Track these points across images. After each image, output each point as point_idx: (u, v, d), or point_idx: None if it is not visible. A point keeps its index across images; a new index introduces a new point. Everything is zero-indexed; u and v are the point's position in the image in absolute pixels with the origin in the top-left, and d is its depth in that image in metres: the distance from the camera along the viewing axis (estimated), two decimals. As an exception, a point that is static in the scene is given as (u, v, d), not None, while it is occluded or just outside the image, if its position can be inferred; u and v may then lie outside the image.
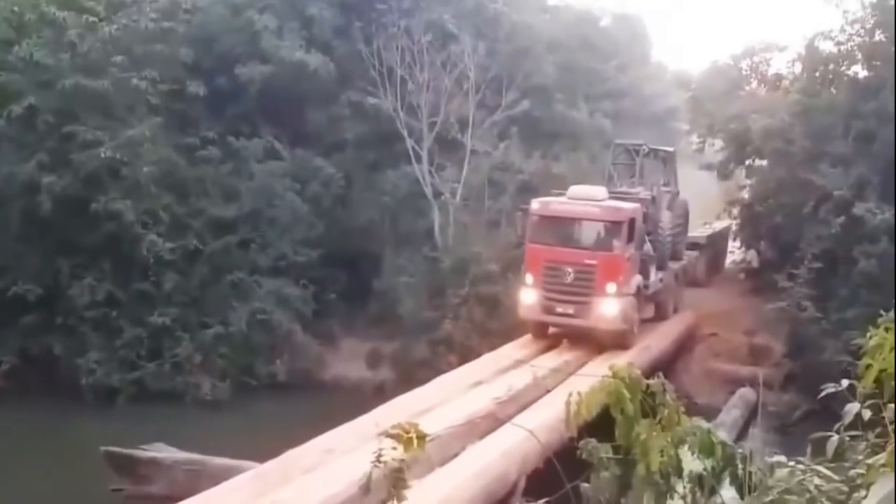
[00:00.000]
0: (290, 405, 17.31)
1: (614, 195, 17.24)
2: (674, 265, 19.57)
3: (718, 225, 25.60)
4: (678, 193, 20.62)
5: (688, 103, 29.86)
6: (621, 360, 12.32)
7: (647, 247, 17.43)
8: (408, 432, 3.72)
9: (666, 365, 15.59)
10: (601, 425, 3.83)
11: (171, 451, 12.28)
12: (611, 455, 3.84)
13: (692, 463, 3.67)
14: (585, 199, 16.31)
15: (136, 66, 19.62)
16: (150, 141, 19.46)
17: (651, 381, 3.65)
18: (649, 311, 18.26)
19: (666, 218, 18.82)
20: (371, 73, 22.00)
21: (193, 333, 19.03)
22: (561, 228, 16.35)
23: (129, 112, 19.92)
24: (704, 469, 3.60)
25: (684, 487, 3.66)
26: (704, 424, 3.75)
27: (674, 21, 76.92)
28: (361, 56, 22.12)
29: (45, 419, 15.90)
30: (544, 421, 10.45)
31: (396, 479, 3.86)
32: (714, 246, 24.58)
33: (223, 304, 19.63)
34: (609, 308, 15.64)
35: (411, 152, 22.15)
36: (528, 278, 16.35)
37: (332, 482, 8.83)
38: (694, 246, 22.39)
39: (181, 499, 9.25)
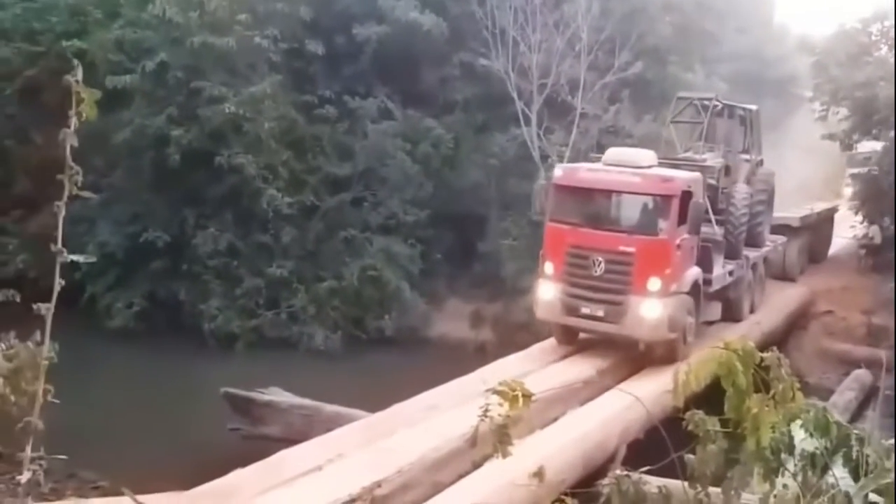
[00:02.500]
0: (396, 360, 17.77)
1: (669, 162, 14.12)
2: (752, 253, 15.98)
3: (821, 205, 22.43)
4: (761, 163, 17.26)
5: (811, 69, 28.23)
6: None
7: (716, 229, 14.36)
8: (514, 390, 3.89)
9: (777, 342, 14.56)
10: (708, 397, 3.86)
11: (286, 396, 12.84)
12: (719, 428, 3.83)
13: (804, 441, 3.68)
14: (624, 166, 12.87)
15: (258, 25, 20.22)
16: (271, 98, 20.07)
17: (765, 355, 3.59)
18: (714, 312, 14.70)
19: (741, 193, 15.40)
20: (483, 34, 21.92)
21: (308, 286, 19.69)
22: (589, 204, 12.99)
23: (252, 69, 20.61)
24: (817, 448, 3.62)
25: (795, 465, 3.67)
26: (819, 403, 3.75)
27: (801, -21, 72.41)
28: (474, 17, 22.04)
29: (171, 360, 16.77)
30: (647, 391, 10.46)
31: (502, 435, 4.05)
32: (812, 230, 21.22)
33: (336, 259, 20.21)
34: (650, 311, 12.23)
35: (520, 114, 22.05)
36: (548, 268, 13.09)
37: (435, 436, 9.20)
38: (784, 230, 18.89)
39: (295, 442, 9.79)
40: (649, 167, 13.00)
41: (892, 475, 3.17)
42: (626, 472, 4.45)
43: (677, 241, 12.48)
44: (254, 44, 19.99)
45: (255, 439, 12.20)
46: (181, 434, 13.31)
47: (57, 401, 2.64)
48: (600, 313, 12.59)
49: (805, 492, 3.61)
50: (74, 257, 2.92)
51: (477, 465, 8.70)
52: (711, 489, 4.00)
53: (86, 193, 2.56)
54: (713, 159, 15.28)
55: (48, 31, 21.33)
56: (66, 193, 2.38)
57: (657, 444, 4.49)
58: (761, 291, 17.00)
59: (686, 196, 12.63)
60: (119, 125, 19.66)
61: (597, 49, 21.95)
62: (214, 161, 19.20)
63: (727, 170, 15.59)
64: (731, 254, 14.97)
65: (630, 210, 12.88)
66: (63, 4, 21.78)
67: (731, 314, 15.30)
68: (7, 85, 21.47)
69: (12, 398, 8.87)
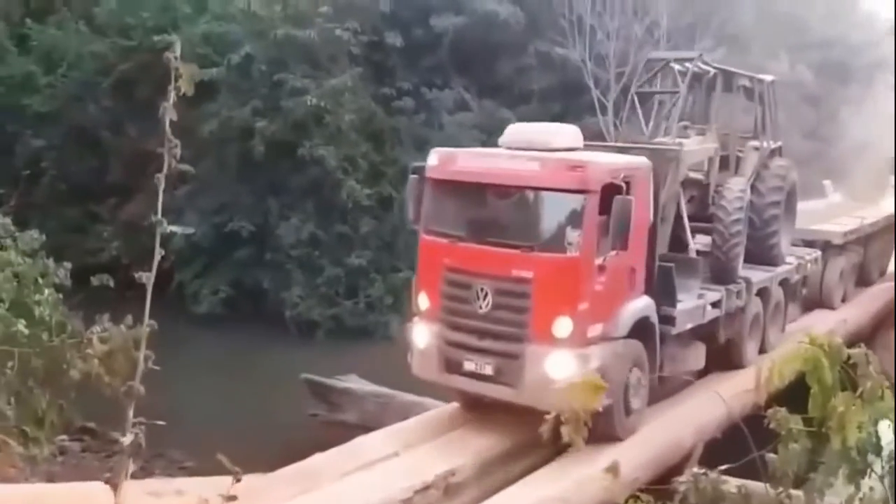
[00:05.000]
0: (469, 349, 17.89)
1: (615, 146, 10.56)
2: (758, 275, 11.74)
3: (878, 212, 17.85)
4: (778, 152, 13.05)
5: (901, 54, 26.98)
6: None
7: (691, 243, 10.63)
8: (587, 383, 3.91)
9: (864, 339, 13.88)
10: (791, 395, 3.81)
11: (363, 383, 13.09)
12: (802, 427, 3.74)
13: (892, 443, 3.58)
14: (528, 149, 8.92)
15: (339, 17, 20.54)
16: (352, 90, 20.44)
17: (853, 351, 3.51)
18: (694, 360, 10.67)
19: (734, 190, 11.14)
20: (560, 23, 21.86)
21: (385, 276, 19.95)
22: (470, 206, 9.21)
23: (333, 62, 20.95)
24: (906, 449, 3.52)
25: (882, 467, 3.57)
26: (910, 403, 3.64)
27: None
28: (551, 5, 21.98)
29: (255, 345, 17.25)
30: (727, 388, 10.27)
31: (577, 426, 4.09)
32: (864, 245, 17.00)
33: (412, 249, 20.21)
34: (558, 367, 8.26)
35: (597, 104, 21.88)
36: (422, 300, 9.27)
37: (506, 427, 9.21)
38: (823, 246, 14.90)
39: (370, 428, 10.00)
40: (565, 150, 8.97)
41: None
42: (703, 471, 4.41)
43: (600, 261, 8.51)
44: (335, 36, 20.33)
45: (333, 425, 12.46)
46: (263, 418, 13.63)
47: (157, 367, 2.74)
48: (489, 370, 8.76)
49: (893, 495, 3.55)
50: (174, 228, 3.05)
51: (550, 459, 8.72)
52: (793, 491, 3.95)
53: (185, 166, 2.66)
54: (698, 144, 11.27)
55: (140, 25, 22.13)
56: (166, 165, 2.48)
57: (735, 444, 4.42)
58: (779, 326, 12.67)
59: (609, 190, 8.43)
60: (205, 117, 20.23)
61: (677, 36, 21.57)
62: (297, 152, 19.66)
63: (724, 160, 11.69)
64: (721, 276, 10.95)
65: (524, 215, 8.98)
66: (154, 0, 22.60)
67: (728, 359, 11.37)
68: (102, 78, 22.42)
69: (106, 378, 9.27)
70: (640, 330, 9.13)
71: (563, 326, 8.41)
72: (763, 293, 11.93)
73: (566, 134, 9.41)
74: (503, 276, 8.63)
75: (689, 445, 10.07)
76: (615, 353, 8.70)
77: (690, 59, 11.90)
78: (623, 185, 8.57)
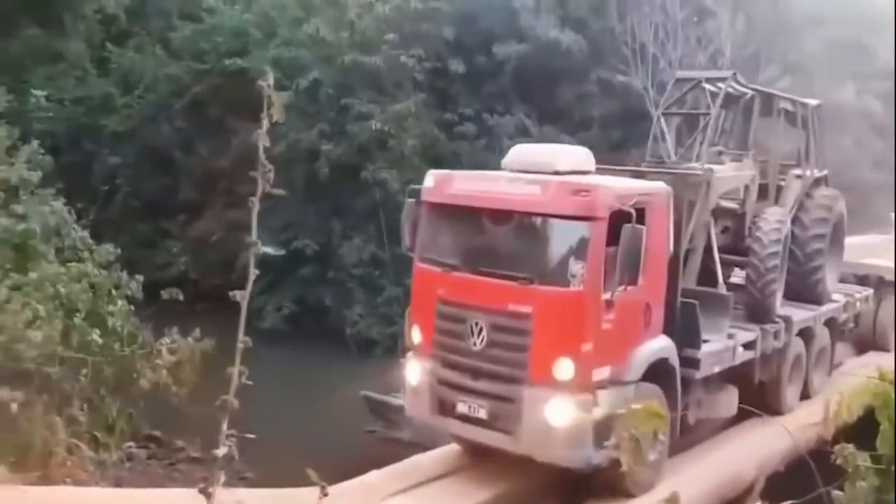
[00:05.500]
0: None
1: (632, 170, 9.35)
2: (800, 314, 10.69)
3: None
4: (824, 181, 11.97)
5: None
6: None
7: (720, 278, 9.57)
8: (649, 410, 3.94)
9: None
10: (860, 430, 3.83)
11: (419, 402, 13.37)
12: (870, 464, 3.81)
13: None
14: (530, 171, 8.09)
15: (404, 44, 21.04)
16: (415, 116, 20.93)
17: None
18: (724, 407, 9.54)
19: (771, 221, 10.07)
20: (623, 51, 21.91)
21: (442, 297, 20.29)
22: (466, 233, 8.44)
23: (397, 88, 21.45)
24: (978, 494, 3.45)
25: None
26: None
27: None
28: (614, 33, 22.07)
29: (315, 361, 17.55)
30: (792, 420, 10.05)
31: (636, 454, 4.11)
32: None
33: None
34: (558, 413, 7.44)
35: (658, 131, 21.77)
36: (415, 334, 8.48)
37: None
38: (877, 283, 13.67)
39: (426, 447, 9.95)
40: (572, 173, 8.05)
41: None
42: (765, 506, 4.34)
43: (607, 296, 7.55)
44: (400, 63, 20.82)
45: (389, 442, 12.63)
46: (321, 432, 13.86)
47: (250, 382, 2.90)
48: (483, 414, 7.86)
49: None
50: (266, 249, 3.18)
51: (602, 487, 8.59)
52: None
53: (277, 191, 2.81)
54: (733, 170, 10.40)
55: (214, 50, 22.99)
56: (260, 189, 2.61)
57: (799, 478, 4.37)
58: (825, 369, 11.55)
59: (618, 218, 7.47)
60: (274, 139, 20.70)
61: (741, 65, 21.37)
62: (361, 175, 20.14)
63: (762, 189, 10.77)
64: (756, 314, 9.98)
65: (523, 243, 8.07)
66: (227, 26, 23.43)
67: (764, 404, 9.89)
68: (176, 100, 23.28)
69: (174, 388, 9.55)
70: (658, 373, 8.10)
71: (564, 368, 7.49)
72: (805, 333, 10.87)
73: (574, 155, 8.51)
74: (499, 310, 7.76)
75: (750, 479, 9.81)
76: (625, 400, 7.31)
77: (723, 79, 11.05)
78: (634, 212, 7.52)
